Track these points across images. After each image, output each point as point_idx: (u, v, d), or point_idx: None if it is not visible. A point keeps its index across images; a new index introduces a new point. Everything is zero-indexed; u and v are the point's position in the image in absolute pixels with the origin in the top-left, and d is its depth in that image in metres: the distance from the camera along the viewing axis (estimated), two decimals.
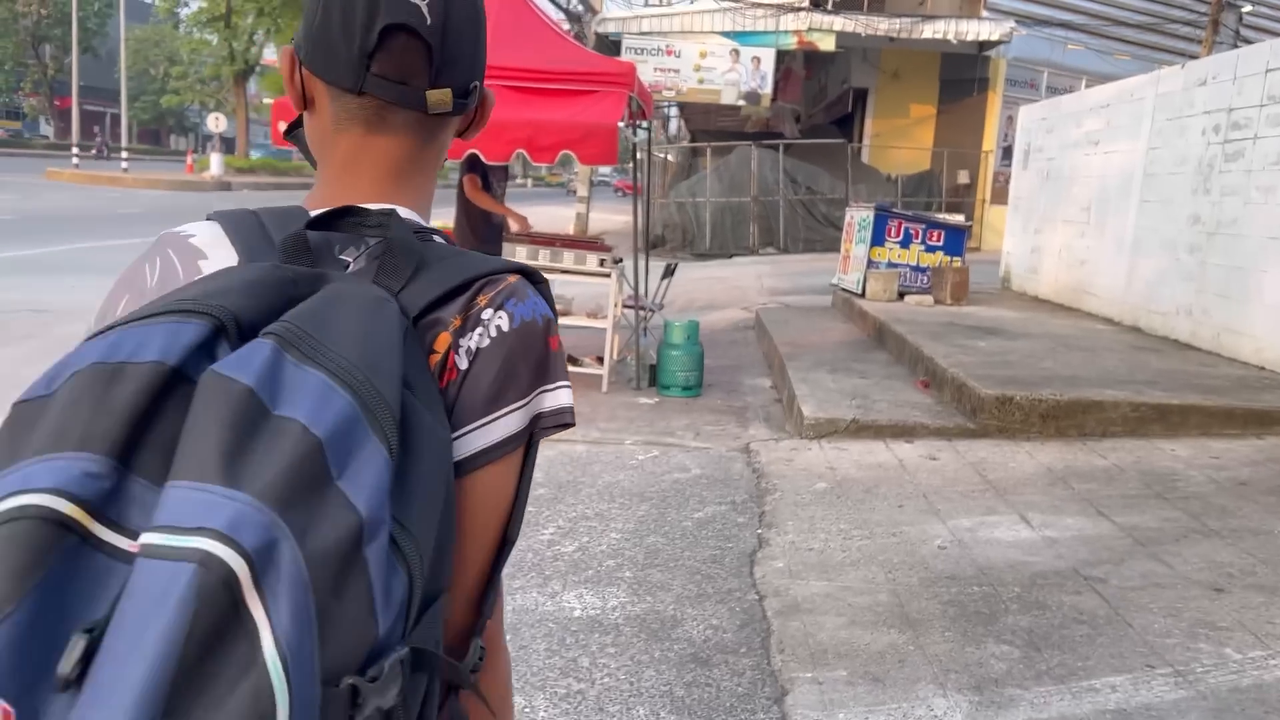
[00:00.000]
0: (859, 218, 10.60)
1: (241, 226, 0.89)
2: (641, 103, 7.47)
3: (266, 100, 33.52)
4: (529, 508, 4.47)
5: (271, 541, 0.61)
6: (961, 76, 22.03)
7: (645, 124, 8.26)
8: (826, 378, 6.92)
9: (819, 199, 19.93)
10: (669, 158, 25.49)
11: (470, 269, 0.86)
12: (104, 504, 0.64)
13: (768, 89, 19.84)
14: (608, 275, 6.99)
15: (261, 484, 0.63)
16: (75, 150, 34.55)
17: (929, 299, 9.92)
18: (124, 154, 33.58)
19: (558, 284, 8.95)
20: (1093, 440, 5.59)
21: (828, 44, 19.76)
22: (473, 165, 7.39)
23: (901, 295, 10.10)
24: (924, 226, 10.41)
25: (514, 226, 7.28)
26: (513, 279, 0.88)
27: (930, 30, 19.35)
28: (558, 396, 0.88)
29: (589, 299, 8.79)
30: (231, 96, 42.49)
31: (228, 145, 41.27)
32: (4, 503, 0.62)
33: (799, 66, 23.31)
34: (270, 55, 42.59)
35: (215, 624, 0.59)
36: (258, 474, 0.63)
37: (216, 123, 34.30)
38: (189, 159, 37.99)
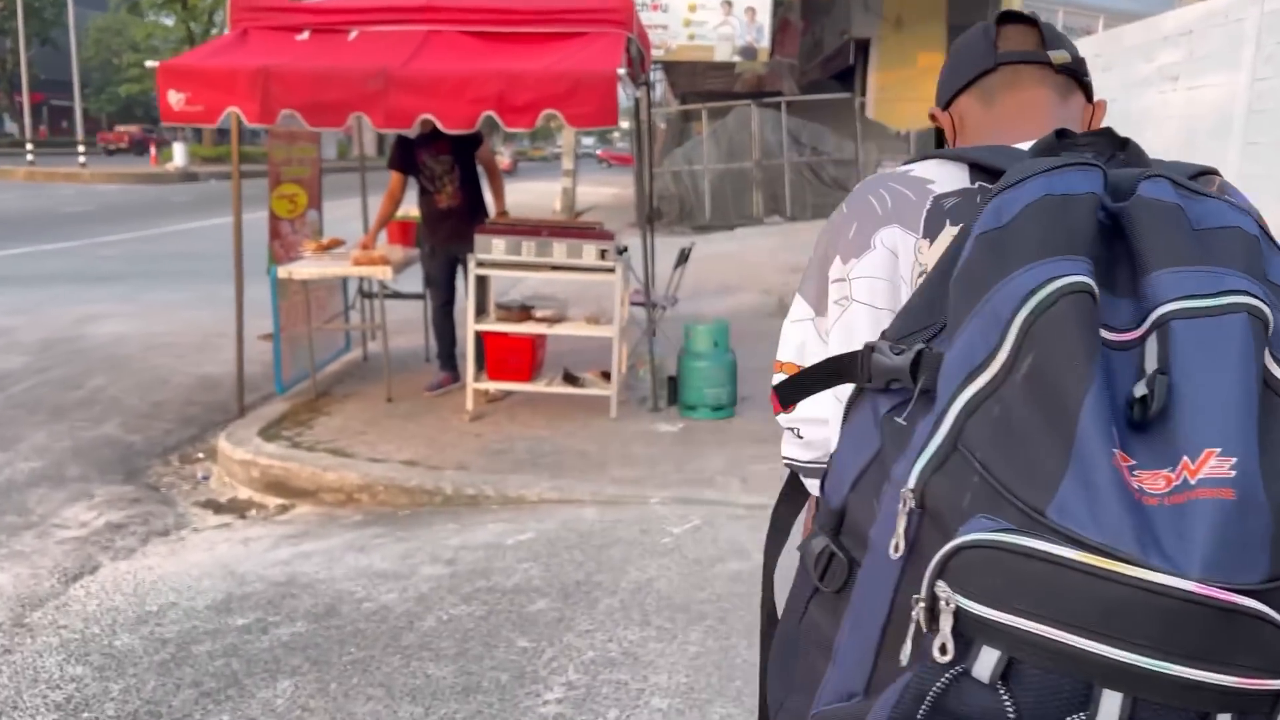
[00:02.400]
0: None
1: (967, 154, 1.03)
2: (642, 49, 5.91)
3: None
4: (521, 643, 2.95)
5: (1273, 307, 0.75)
6: (971, 20, 20.15)
7: (645, 77, 6.69)
8: None
9: (826, 160, 18.32)
10: (661, 124, 23.80)
11: (1190, 167, 0.94)
12: None
13: (765, 43, 18.16)
14: (611, 270, 5.46)
15: (1240, 265, 0.77)
16: (30, 147, 32.65)
17: None
18: (81, 148, 31.69)
19: (546, 282, 7.38)
20: None
21: None
22: (399, 157, 5.91)
23: None
24: None
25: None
26: (1220, 177, 0.98)
27: None
28: None
29: (587, 298, 7.26)
30: None
31: (197, 134, 39.30)
32: (1051, 285, 0.75)
33: (796, 17, 21.62)
34: None
35: (1262, 364, 0.72)
36: (1231, 258, 0.77)
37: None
38: (152, 150, 36.13)
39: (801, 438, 1.10)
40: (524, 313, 5.71)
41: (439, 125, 4.82)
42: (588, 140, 71.23)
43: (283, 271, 5.80)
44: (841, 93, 20.16)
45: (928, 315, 0.86)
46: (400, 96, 4.70)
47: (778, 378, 1.08)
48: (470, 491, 4.50)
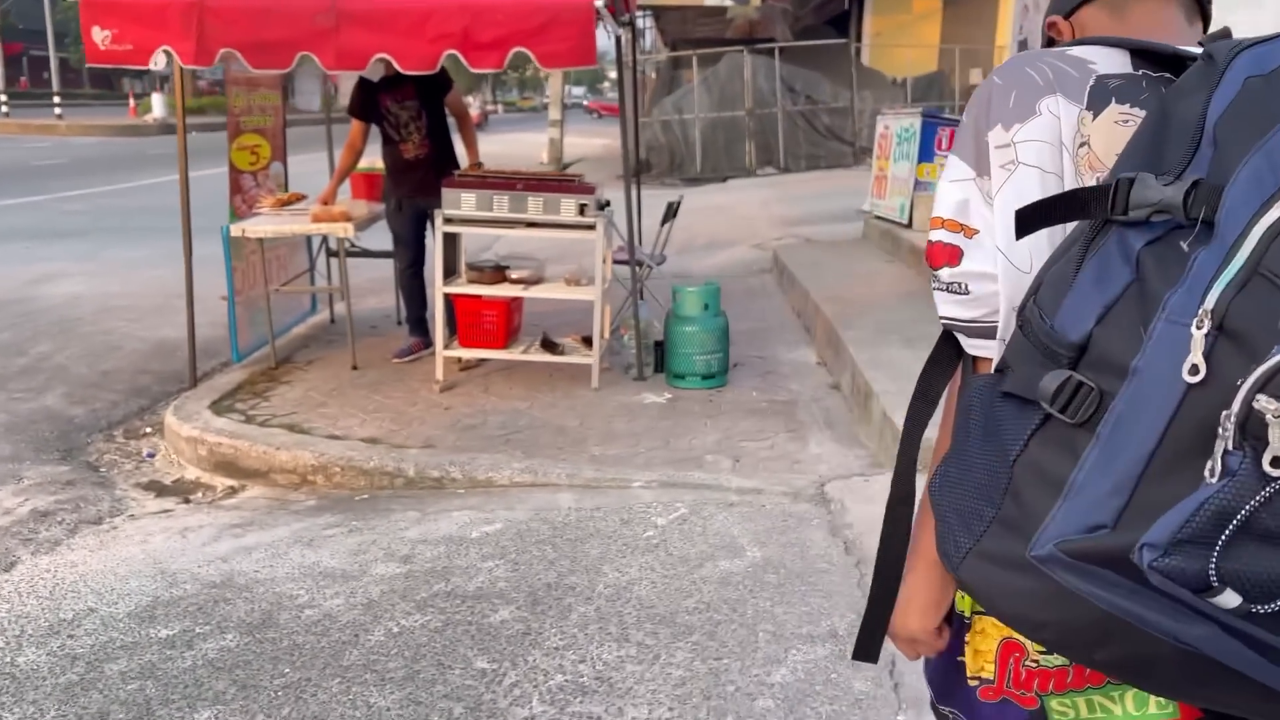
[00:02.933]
0: (898, 127, 8.56)
1: (1132, 41, 1.05)
2: None
3: None
4: (480, 664, 2.54)
5: None
6: None
7: (629, 16, 6.17)
8: (903, 353, 4.98)
9: (820, 109, 17.73)
10: (650, 73, 23.09)
11: None
12: None
13: None
14: (592, 226, 5.00)
15: None
16: (4, 97, 31.75)
17: None
18: (56, 99, 30.82)
19: (525, 239, 6.89)
20: None
21: None
22: (360, 103, 5.44)
23: None
24: None
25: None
26: None
27: None
28: None
29: (568, 257, 6.81)
30: None
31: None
32: None
33: None
34: None
35: None
36: None
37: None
38: (131, 101, 35.22)
39: (968, 293, 1.06)
40: (498, 273, 5.26)
41: (396, 66, 4.34)
42: (577, 90, 70.04)
43: (235, 229, 5.34)
44: (836, 39, 19.53)
45: (1157, 164, 0.87)
46: (353, 33, 4.22)
47: (936, 234, 1.09)
48: (435, 474, 4.09)
